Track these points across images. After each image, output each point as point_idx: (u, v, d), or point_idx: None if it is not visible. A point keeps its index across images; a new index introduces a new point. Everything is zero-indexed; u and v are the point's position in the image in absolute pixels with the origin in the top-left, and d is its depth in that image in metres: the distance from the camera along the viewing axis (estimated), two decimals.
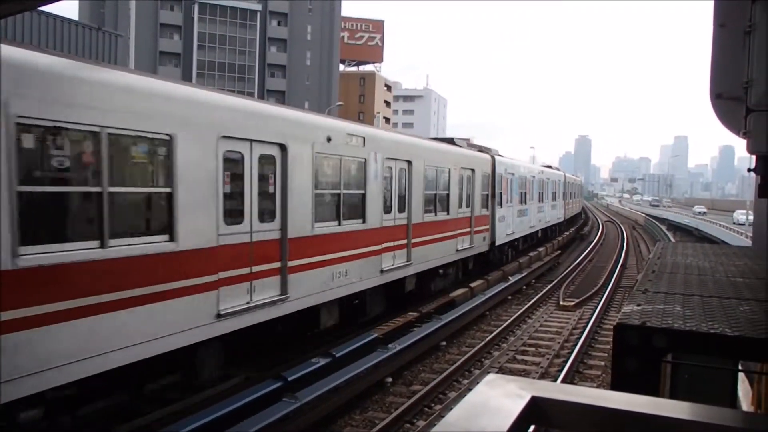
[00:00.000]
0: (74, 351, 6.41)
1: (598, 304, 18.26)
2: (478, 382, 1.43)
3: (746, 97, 5.00)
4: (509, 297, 19.43)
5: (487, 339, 14.04)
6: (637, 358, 2.52)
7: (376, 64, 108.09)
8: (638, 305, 2.93)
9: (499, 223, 22.53)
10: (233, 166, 8.97)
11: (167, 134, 7.64)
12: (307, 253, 10.60)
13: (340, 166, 11.89)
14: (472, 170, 19.73)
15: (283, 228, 9.97)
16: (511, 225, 24.60)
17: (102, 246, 6.74)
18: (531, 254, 26.54)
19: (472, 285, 18.41)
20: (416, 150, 15.74)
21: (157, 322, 7.42)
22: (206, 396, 8.82)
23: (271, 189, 9.87)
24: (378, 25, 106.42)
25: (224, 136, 8.61)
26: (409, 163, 15.01)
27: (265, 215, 9.64)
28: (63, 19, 22.61)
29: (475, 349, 13.18)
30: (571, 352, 13.12)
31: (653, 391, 2.57)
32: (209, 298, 8.27)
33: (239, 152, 9.08)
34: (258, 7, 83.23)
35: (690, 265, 4.57)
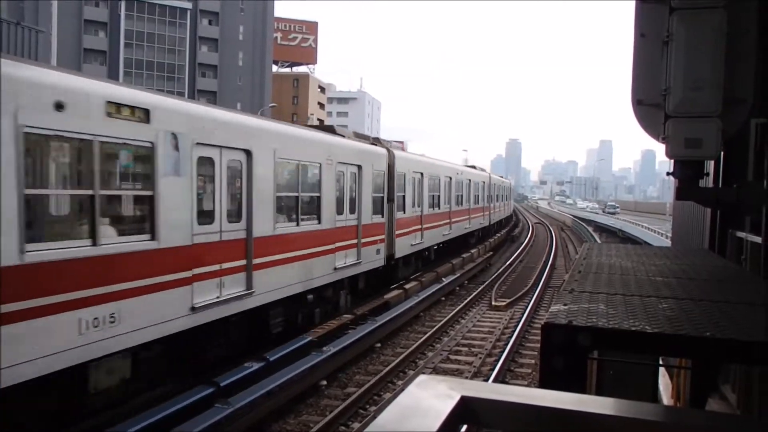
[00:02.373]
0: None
1: (529, 303, 18.74)
2: (411, 383, 1.44)
3: (665, 104, 5.25)
4: (443, 298, 19.67)
5: (421, 340, 14.18)
6: (563, 356, 2.58)
7: (309, 66, 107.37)
8: (565, 305, 3.01)
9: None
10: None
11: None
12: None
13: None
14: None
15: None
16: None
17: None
18: (464, 256, 26.95)
19: (407, 287, 18.54)
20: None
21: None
22: (133, 404, 8.54)
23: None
24: (312, 27, 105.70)
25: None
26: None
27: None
28: None
29: (410, 350, 13.29)
30: (503, 351, 13.40)
31: (580, 388, 2.65)
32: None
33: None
34: (188, 5, 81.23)
35: (614, 265, 4.74)
